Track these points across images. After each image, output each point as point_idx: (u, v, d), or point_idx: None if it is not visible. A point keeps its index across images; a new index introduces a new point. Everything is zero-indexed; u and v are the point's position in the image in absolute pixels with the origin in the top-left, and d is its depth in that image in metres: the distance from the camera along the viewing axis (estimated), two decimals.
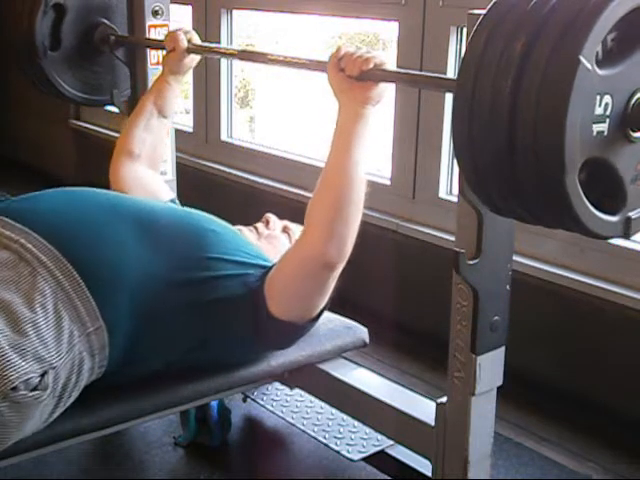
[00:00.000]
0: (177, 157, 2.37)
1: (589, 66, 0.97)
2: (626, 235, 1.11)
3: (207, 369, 1.60)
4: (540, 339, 2.25)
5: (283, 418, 1.92)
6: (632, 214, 1.10)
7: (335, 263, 1.50)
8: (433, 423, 1.49)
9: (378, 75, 1.44)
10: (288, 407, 1.95)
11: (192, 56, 1.97)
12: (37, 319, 1.33)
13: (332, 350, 1.75)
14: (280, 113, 3.82)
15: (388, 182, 2.67)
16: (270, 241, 1.78)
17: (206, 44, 2.07)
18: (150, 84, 2.12)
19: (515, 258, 1.41)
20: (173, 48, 1.94)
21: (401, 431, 1.62)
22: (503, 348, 1.41)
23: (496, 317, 1.37)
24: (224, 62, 3.22)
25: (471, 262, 1.32)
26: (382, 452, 1.77)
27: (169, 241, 1.56)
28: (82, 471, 1.94)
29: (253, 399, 2.02)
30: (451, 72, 2.38)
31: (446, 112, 2.42)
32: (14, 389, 1.27)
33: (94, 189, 1.74)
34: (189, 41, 1.95)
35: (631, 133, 1.06)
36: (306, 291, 1.56)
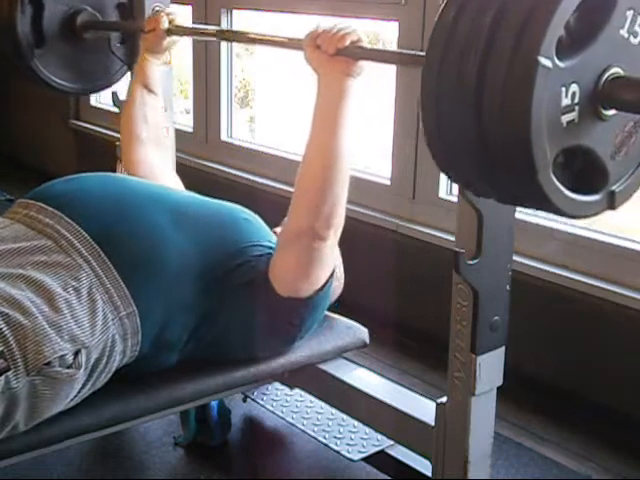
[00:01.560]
0: (177, 157, 2.37)
1: (549, 64, 0.94)
2: (611, 208, 1.10)
3: (220, 364, 1.61)
4: (540, 339, 2.25)
5: (283, 418, 1.92)
6: (615, 187, 1.10)
7: (325, 233, 1.51)
8: (433, 423, 1.49)
9: (354, 52, 1.44)
10: (288, 407, 1.94)
11: (171, 37, 1.96)
12: (71, 299, 1.36)
13: (332, 350, 1.75)
14: (280, 113, 3.82)
15: (388, 182, 2.67)
16: None
17: (185, 25, 2.04)
18: None
19: (515, 258, 1.41)
20: (153, 28, 1.94)
21: (401, 431, 1.62)
22: (503, 348, 1.41)
23: (496, 317, 1.37)
24: (224, 62, 3.22)
25: (471, 262, 1.32)
26: (382, 452, 1.77)
27: (205, 231, 1.58)
28: (82, 471, 1.94)
29: (253, 399, 2.02)
30: None
31: None
32: (48, 364, 1.29)
33: (130, 177, 1.75)
34: (170, 22, 1.94)
35: (603, 111, 1.04)
36: (305, 265, 1.56)
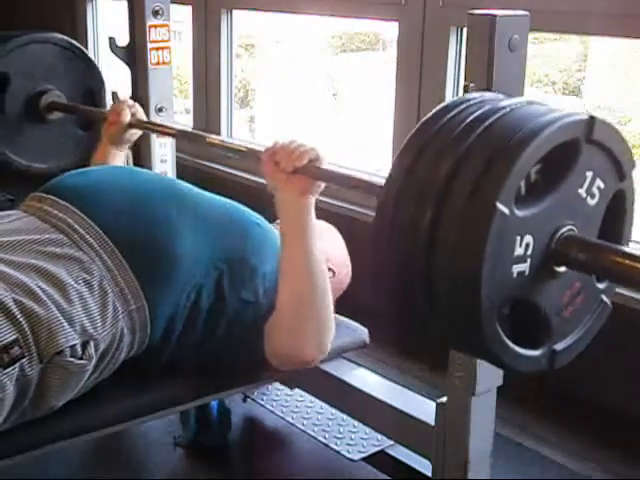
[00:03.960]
0: (177, 157, 2.38)
1: (506, 211, 0.92)
2: (551, 368, 1.07)
3: (221, 366, 1.58)
4: None
5: (283, 418, 1.92)
6: (557, 346, 1.07)
7: (310, 361, 1.52)
8: (433, 423, 1.49)
9: (312, 172, 1.43)
10: (288, 407, 1.95)
11: (133, 130, 1.96)
12: (82, 290, 1.37)
13: (332, 350, 1.75)
14: (280, 113, 3.83)
15: None
16: None
17: (148, 120, 2.05)
18: (150, 84, 2.12)
19: None
20: (115, 121, 1.94)
21: (401, 431, 1.62)
22: None
23: None
24: (224, 62, 3.22)
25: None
26: (382, 452, 1.77)
27: (217, 229, 1.57)
28: (82, 471, 1.94)
29: (253, 399, 2.02)
30: (450, 73, 2.38)
31: None
32: (60, 353, 1.31)
33: (144, 170, 1.75)
34: (132, 115, 1.95)
35: (555, 268, 1.02)
36: (290, 368, 1.56)
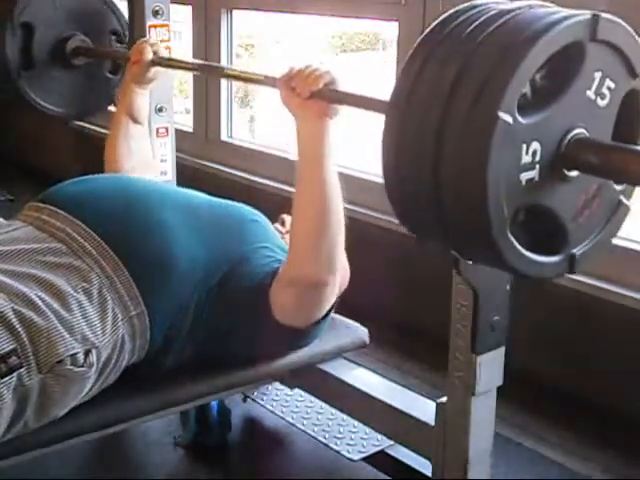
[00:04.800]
0: (177, 157, 2.37)
1: (509, 119, 0.91)
2: (571, 272, 1.06)
3: (220, 364, 1.59)
4: (540, 339, 2.25)
5: (283, 418, 1.92)
6: (576, 250, 1.06)
7: (327, 279, 1.52)
8: (433, 423, 1.49)
9: (328, 96, 1.44)
10: (288, 407, 1.95)
11: (156, 68, 1.98)
12: (81, 299, 1.37)
13: (332, 350, 1.75)
14: (280, 113, 3.82)
15: None
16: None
17: (169, 56, 2.07)
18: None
19: None
20: (137, 60, 1.95)
21: (401, 431, 1.62)
22: (503, 348, 1.41)
23: (496, 317, 1.37)
24: (224, 62, 3.22)
25: (471, 262, 1.31)
26: (382, 452, 1.77)
27: (215, 232, 1.59)
28: (82, 471, 1.94)
29: (253, 399, 2.02)
30: None
31: None
32: (60, 362, 1.31)
33: (140, 177, 1.78)
34: (154, 53, 1.96)
35: (565, 172, 1.00)
36: (305, 307, 1.58)
